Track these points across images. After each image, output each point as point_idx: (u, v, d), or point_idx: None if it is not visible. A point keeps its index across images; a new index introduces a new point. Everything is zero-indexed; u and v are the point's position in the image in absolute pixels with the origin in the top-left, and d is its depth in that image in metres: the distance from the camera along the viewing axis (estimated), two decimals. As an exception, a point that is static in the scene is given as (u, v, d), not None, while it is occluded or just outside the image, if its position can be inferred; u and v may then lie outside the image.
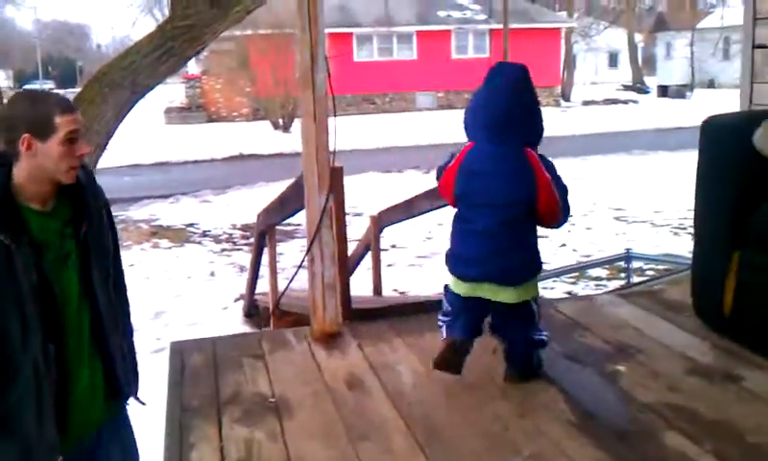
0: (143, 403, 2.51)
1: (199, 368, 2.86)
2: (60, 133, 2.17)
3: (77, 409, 2.29)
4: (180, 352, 2.98)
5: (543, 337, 2.72)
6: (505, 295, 2.58)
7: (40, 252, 2.20)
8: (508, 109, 2.54)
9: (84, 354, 2.32)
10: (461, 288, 2.64)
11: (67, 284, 2.27)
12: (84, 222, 2.31)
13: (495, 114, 2.55)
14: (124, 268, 2.52)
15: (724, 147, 2.96)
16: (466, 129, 2.68)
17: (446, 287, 2.76)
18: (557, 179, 2.60)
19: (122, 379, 2.42)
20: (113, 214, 2.48)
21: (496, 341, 2.76)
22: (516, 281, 2.59)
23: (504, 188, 2.54)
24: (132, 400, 2.50)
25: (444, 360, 2.62)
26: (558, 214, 2.62)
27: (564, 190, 2.61)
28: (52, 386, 2.19)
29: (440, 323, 2.79)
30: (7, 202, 2.16)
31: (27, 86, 62.39)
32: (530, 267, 2.64)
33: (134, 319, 2.57)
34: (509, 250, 2.57)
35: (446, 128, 18.97)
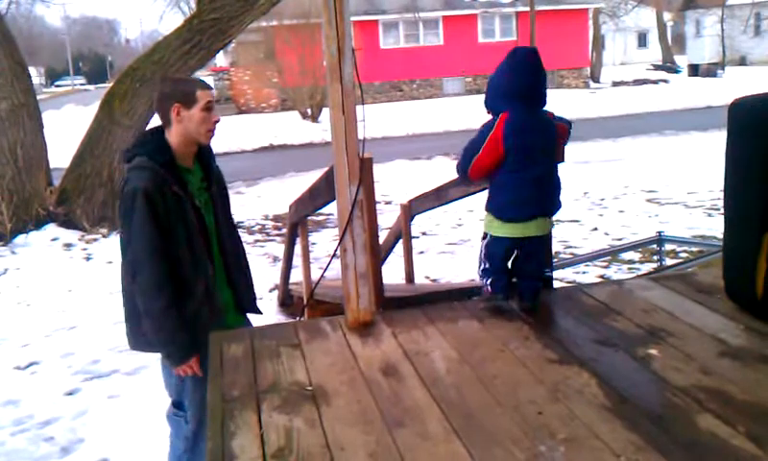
0: (261, 313, 3.46)
1: (237, 358, 2.92)
2: (201, 103, 2.93)
3: (220, 317, 3.17)
4: (220, 343, 3.04)
5: (551, 274, 3.30)
6: (546, 226, 3.16)
7: (193, 198, 3.00)
8: (542, 80, 3.09)
9: (222, 278, 3.20)
10: (512, 230, 3.10)
11: (209, 224, 3.10)
12: (213, 180, 3.15)
13: (537, 84, 3.08)
14: None
15: (752, 128, 2.93)
16: (494, 100, 3.11)
17: (489, 242, 3.19)
18: (560, 119, 3.22)
19: (243, 298, 3.36)
20: None
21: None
22: (555, 211, 3.19)
23: (549, 139, 3.12)
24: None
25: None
26: (566, 132, 3.25)
27: (565, 121, 3.24)
28: (217, 298, 3.10)
29: (482, 279, 3.24)
30: (173, 162, 2.93)
31: (59, 83, 63.22)
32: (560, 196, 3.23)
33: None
34: (555, 186, 3.16)
35: (475, 113, 18.90)
